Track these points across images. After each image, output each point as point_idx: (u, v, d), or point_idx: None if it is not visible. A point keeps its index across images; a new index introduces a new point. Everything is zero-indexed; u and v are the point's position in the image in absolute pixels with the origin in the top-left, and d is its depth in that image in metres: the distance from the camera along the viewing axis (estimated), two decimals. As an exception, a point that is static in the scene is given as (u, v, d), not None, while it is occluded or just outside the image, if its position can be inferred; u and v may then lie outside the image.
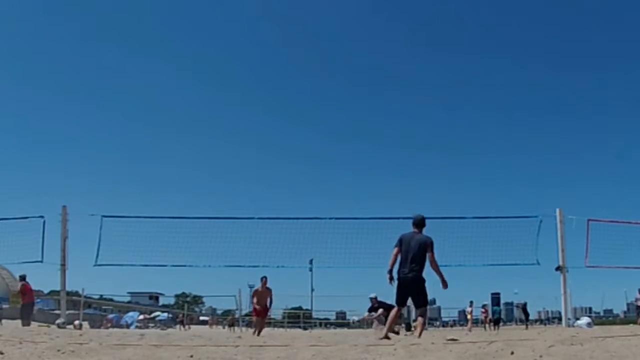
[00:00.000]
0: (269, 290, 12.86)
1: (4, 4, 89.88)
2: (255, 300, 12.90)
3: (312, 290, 47.87)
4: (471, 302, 26.80)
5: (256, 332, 12.54)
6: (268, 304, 13.01)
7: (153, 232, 12.64)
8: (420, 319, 7.32)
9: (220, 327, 35.53)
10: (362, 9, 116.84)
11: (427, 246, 7.05)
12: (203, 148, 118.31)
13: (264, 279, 12.71)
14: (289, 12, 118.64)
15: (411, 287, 7.01)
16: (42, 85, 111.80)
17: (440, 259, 12.79)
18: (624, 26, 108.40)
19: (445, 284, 7.09)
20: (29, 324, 13.49)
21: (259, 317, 13.01)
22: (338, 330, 34.63)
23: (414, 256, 7.00)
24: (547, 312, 64.37)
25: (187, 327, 31.71)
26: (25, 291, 14.87)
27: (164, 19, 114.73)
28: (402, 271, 7.00)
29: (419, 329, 7.10)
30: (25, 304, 14.85)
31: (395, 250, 7.10)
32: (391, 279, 7.03)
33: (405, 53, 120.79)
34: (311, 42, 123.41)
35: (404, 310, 16.54)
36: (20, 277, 15.25)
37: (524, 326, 25.72)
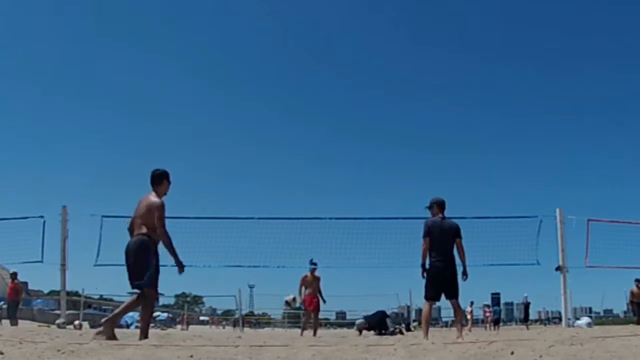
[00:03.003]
0: (317, 278, 11.80)
1: (6, 3, 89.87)
2: (303, 289, 11.72)
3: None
4: (472, 303, 26.82)
5: (312, 331, 11.57)
6: (319, 293, 11.80)
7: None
8: (459, 312, 6.73)
9: (220, 327, 35.30)
10: (364, 9, 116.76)
11: (458, 232, 6.60)
12: (203, 148, 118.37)
13: (314, 266, 11.75)
14: (291, 12, 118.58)
15: (449, 278, 6.46)
16: (42, 86, 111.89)
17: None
18: (627, 28, 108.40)
19: (467, 274, 6.57)
20: (15, 324, 13.56)
21: (311, 309, 11.78)
22: (338, 330, 34.57)
23: (449, 244, 6.52)
24: (547, 312, 64.32)
25: (185, 327, 31.66)
26: (9, 290, 14.97)
27: (164, 16, 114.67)
28: (438, 261, 6.45)
29: (460, 328, 6.53)
30: (8, 303, 14.94)
31: (427, 240, 6.49)
32: (425, 272, 6.49)
33: (407, 54, 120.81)
34: (312, 42, 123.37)
35: (404, 310, 16.51)
36: (10, 274, 15.29)
37: (524, 326, 25.43)
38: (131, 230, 5.70)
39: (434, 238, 6.47)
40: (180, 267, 5.74)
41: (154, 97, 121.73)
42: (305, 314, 12.27)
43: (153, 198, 5.65)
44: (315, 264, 11.79)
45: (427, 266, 6.53)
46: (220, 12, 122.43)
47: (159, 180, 5.78)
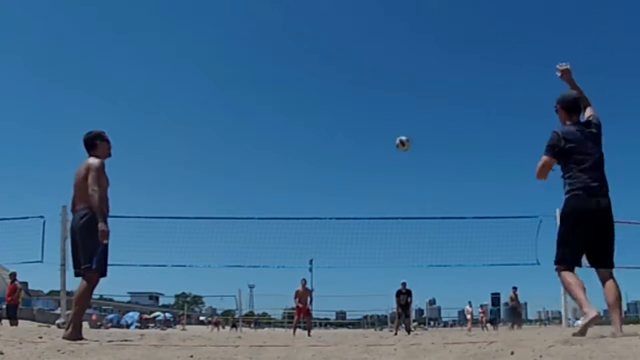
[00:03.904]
0: (308, 290, 14.60)
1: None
2: (297, 300, 14.40)
3: (312, 290, 47.66)
4: (470, 302, 26.79)
5: (305, 332, 13.60)
6: (309, 303, 14.61)
7: (153, 232, 12.62)
8: (613, 293, 3.88)
9: (220, 327, 35.25)
10: (365, 9, 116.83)
11: (600, 128, 4.16)
12: (203, 147, 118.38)
13: (303, 281, 14.43)
14: (291, 11, 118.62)
15: (602, 223, 3.97)
16: (42, 84, 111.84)
17: (441, 258, 12.80)
18: (627, 28, 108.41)
19: None
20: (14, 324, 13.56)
21: (301, 316, 14.61)
22: (338, 330, 34.59)
23: (601, 163, 4.09)
24: (547, 312, 64.34)
25: (183, 327, 31.68)
26: (8, 291, 14.93)
27: (165, 13, 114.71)
28: (586, 192, 3.98)
29: (618, 320, 3.81)
30: (7, 304, 14.91)
31: (547, 158, 4.15)
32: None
33: (407, 53, 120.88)
34: (313, 41, 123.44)
35: (401, 310, 16.23)
36: (10, 275, 15.25)
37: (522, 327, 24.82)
38: (73, 207, 5.07)
39: (573, 155, 4.08)
40: (103, 234, 4.76)
41: (153, 97, 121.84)
42: (295, 318, 14.93)
43: (91, 160, 4.95)
44: (304, 279, 14.47)
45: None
46: (222, 10, 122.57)
47: (92, 143, 5.08)
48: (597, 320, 3.69)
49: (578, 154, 4.05)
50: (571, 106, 4.24)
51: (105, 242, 4.79)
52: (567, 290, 4.02)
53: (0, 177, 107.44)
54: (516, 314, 20.10)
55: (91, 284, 4.82)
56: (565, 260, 4.02)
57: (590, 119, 4.22)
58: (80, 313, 4.78)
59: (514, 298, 19.88)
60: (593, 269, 4.09)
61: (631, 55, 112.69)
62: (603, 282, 3.98)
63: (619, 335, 3.65)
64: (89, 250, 4.77)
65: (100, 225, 4.73)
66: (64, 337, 4.60)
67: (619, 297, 3.92)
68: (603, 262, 3.97)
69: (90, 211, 4.81)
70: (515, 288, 19.92)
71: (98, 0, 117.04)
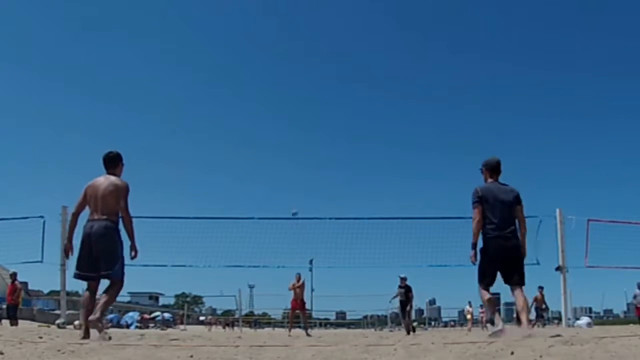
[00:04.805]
0: (302, 283, 14.39)
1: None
2: (292, 293, 14.27)
3: (312, 290, 47.82)
4: (470, 302, 26.76)
5: (290, 330, 13.90)
6: (302, 300, 14.51)
7: (153, 232, 12.62)
8: (522, 301, 5.31)
9: (219, 327, 35.26)
10: (364, 10, 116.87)
11: (518, 199, 5.42)
12: (203, 148, 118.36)
13: (298, 275, 14.19)
14: (292, 12, 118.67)
15: (511, 257, 5.35)
16: (42, 85, 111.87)
17: (441, 258, 12.81)
18: (627, 29, 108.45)
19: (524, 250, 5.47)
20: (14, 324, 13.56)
21: (295, 309, 14.37)
22: (338, 330, 34.59)
23: (510, 214, 5.35)
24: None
25: (183, 327, 31.68)
26: (8, 291, 14.94)
27: (166, 14, 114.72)
28: (498, 235, 5.27)
29: (525, 318, 5.23)
30: (8, 304, 14.92)
31: (478, 210, 5.31)
32: (476, 255, 5.38)
33: (407, 54, 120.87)
34: (313, 42, 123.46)
35: (399, 310, 15.98)
36: (10, 275, 15.24)
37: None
38: (76, 213, 5.39)
39: (489, 207, 5.33)
40: (136, 252, 5.41)
41: (154, 97, 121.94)
42: (290, 314, 14.79)
43: (118, 181, 5.35)
44: (299, 273, 14.19)
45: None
46: (223, 12, 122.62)
47: (116, 162, 5.49)
48: (505, 333, 4.89)
49: (491, 205, 5.31)
50: (492, 168, 5.50)
51: (135, 259, 5.45)
52: (484, 304, 5.58)
53: (1, 177, 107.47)
54: (539, 315, 18.68)
55: (117, 287, 5.27)
56: (484, 281, 5.34)
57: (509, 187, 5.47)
58: (109, 303, 5.35)
59: (540, 298, 18.28)
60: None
61: (631, 55, 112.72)
62: (513, 292, 5.35)
63: (527, 332, 4.72)
64: (111, 258, 5.16)
65: (135, 247, 5.36)
66: (89, 320, 4.99)
67: (526, 303, 5.36)
68: (514, 281, 5.34)
69: (110, 222, 5.21)
70: (541, 288, 18.18)
71: (98, 1, 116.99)
